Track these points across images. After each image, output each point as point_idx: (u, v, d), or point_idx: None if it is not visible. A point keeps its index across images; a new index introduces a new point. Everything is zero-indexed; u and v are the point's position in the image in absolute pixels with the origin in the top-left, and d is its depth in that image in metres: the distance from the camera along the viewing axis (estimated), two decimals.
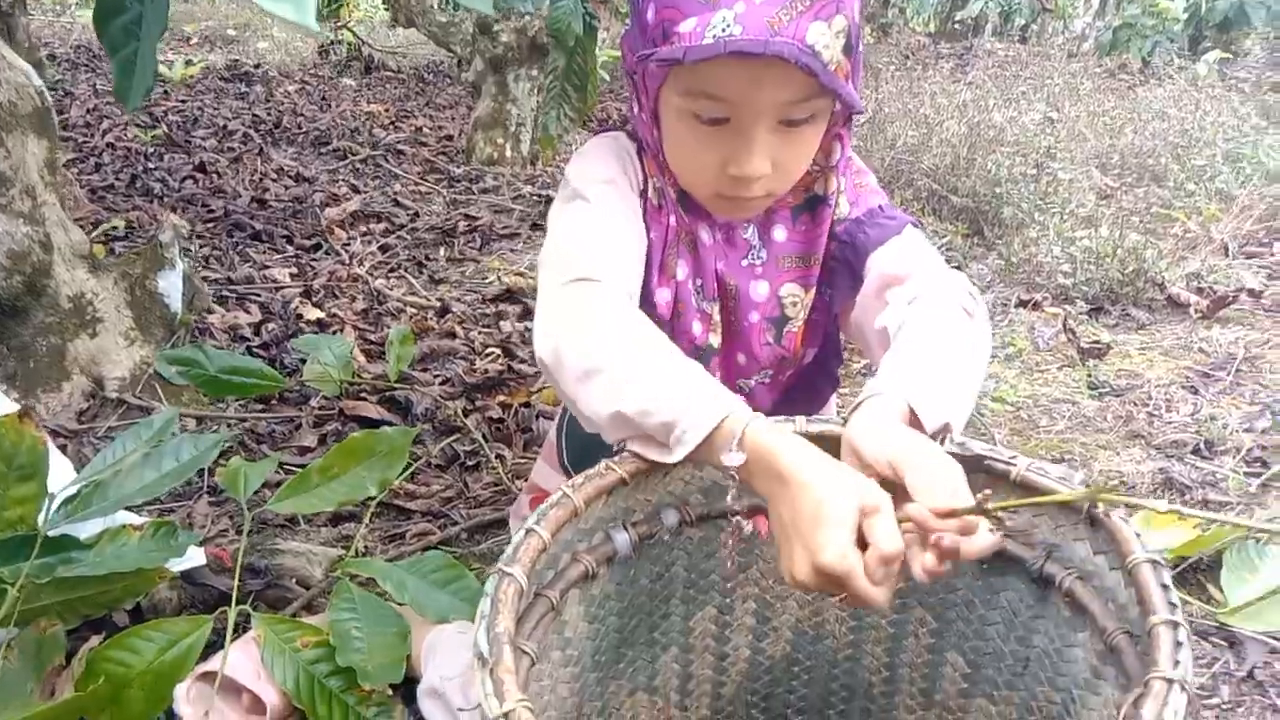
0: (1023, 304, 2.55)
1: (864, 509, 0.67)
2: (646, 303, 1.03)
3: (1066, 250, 2.68)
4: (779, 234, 1.06)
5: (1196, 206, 3.15)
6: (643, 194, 1.04)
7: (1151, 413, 1.95)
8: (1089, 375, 2.13)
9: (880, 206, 1.06)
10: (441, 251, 2.95)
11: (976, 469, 0.82)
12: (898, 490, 0.71)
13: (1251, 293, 2.53)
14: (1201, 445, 1.79)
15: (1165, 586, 0.65)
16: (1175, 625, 0.62)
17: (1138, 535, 0.71)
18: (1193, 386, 2.06)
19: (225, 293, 2.37)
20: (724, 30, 0.83)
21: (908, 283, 0.97)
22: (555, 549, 0.71)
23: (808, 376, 1.14)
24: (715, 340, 1.07)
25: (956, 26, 8.75)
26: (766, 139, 0.91)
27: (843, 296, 1.05)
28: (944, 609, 0.90)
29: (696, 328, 1.05)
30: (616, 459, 0.77)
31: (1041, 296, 2.58)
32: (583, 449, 1.18)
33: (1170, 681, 0.57)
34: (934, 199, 3.30)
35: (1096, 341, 2.27)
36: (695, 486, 0.84)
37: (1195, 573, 1.45)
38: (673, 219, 1.04)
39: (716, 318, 1.06)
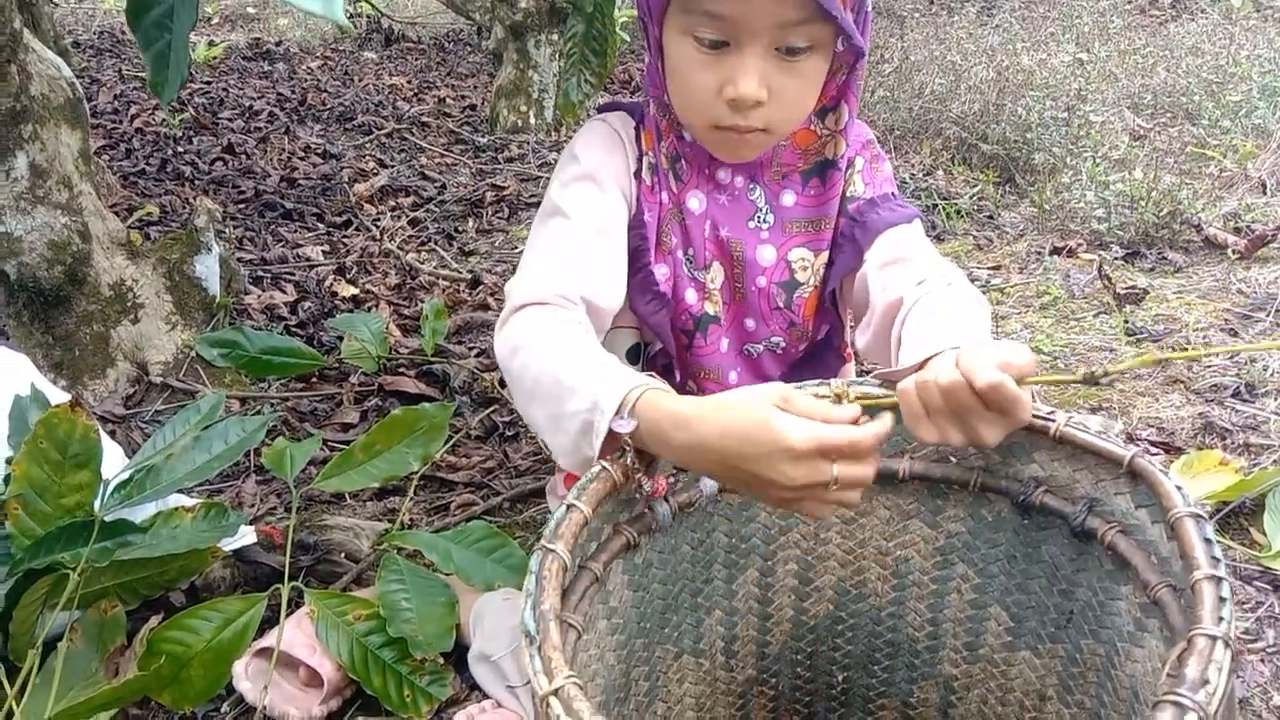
0: (1056, 251, 2.53)
1: (783, 400, 0.70)
2: (648, 281, 1.03)
3: (1100, 195, 2.64)
4: (788, 199, 1.06)
5: (1232, 144, 3.09)
6: (636, 174, 1.05)
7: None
8: (1126, 321, 2.11)
9: (892, 194, 1.07)
10: (470, 223, 2.96)
11: None
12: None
13: None
14: (1242, 388, 1.77)
15: (1208, 540, 0.66)
16: (1218, 580, 0.62)
17: (1179, 489, 0.71)
18: (1232, 329, 2.04)
19: (260, 273, 2.40)
20: None
21: (912, 265, 0.97)
22: (597, 522, 0.72)
23: (817, 352, 1.13)
24: (713, 308, 1.06)
25: None
26: (763, 64, 0.91)
27: (843, 271, 1.05)
28: (986, 564, 0.91)
29: (691, 296, 1.05)
30: None
31: (1076, 243, 2.55)
32: None
33: (1214, 638, 0.58)
34: (964, 147, 3.26)
35: (1133, 286, 2.24)
36: None
37: (1238, 517, 1.45)
38: (665, 196, 1.04)
39: (712, 285, 1.06)
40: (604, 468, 0.73)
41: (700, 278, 1.05)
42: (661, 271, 1.04)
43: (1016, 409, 0.72)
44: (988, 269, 2.48)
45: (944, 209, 2.85)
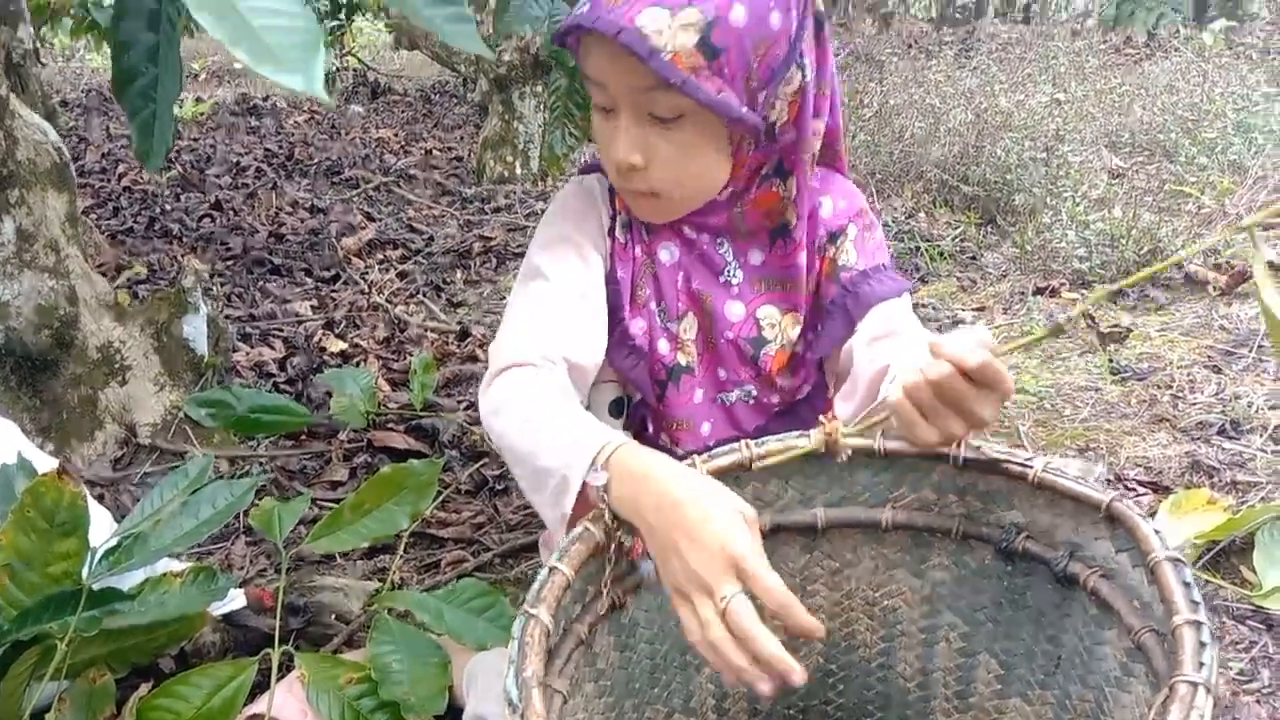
0: (1039, 291, 2.55)
1: (745, 518, 0.71)
2: (625, 336, 1.04)
3: (1081, 234, 2.67)
4: (755, 256, 1.06)
5: (1210, 180, 3.13)
6: (610, 232, 1.06)
7: (1175, 395, 1.95)
8: (1110, 360, 2.12)
9: (884, 265, 1.07)
10: (458, 274, 2.98)
11: (993, 472, 0.83)
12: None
13: (1270, 265, 2.52)
14: (1227, 425, 1.78)
15: (1187, 584, 0.66)
16: (1198, 625, 0.62)
17: (1157, 533, 0.72)
18: (1215, 366, 2.06)
19: (249, 329, 2.40)
20: (583, 8, 0.88)
21: (901, 339, 0.98)
22: (580, 583, 0.72)
23: (795, 408, 1.12)
24: (685, 359, 1.06)
25: (958, 14, 8.71)
26: (638, 129, 0.93)
27: (833, 341, 1.05)
28: (973, 611, 0.91)
29: (664, 347, 1.06)
30: None
31: (1058, 282, 2.58)
32: None
33: (1195, 684, 0.58)
34: (945, 189, 3.30)
35: (1116, 325, 2.26)
36: None
37: (1228, 556, 1.45)
38: (638, 250, 1.05)
39: (686, 336, 1.06)
40: (586, 528, 0.73)
41: (673, 328, 1.06)
42: (638, 326, 1.05)
43: (1004, 381, 0.74)
44: (972, 310, 2.50)
45: (927, 251, 2.88)
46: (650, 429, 1.10)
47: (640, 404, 1.10)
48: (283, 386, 2.11)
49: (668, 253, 1.05)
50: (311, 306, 2.65)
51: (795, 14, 0.92)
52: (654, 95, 0.90)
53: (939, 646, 0.93)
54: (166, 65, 0.95)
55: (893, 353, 0.96)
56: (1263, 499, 1.56)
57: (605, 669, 0.76)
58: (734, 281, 1.06)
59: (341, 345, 2.37)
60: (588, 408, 1.08)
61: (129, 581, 1.15)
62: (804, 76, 0.94)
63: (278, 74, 0.63)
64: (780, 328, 1.06)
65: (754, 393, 1.08)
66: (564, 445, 0.80)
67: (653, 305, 1.05)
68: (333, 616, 1.34)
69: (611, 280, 1.05)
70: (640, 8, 0.86)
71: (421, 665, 1.13)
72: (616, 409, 1.10)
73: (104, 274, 2.61)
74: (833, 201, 1.08)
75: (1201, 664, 0.60)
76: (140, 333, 1.86)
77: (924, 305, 2.53)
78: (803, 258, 1.04)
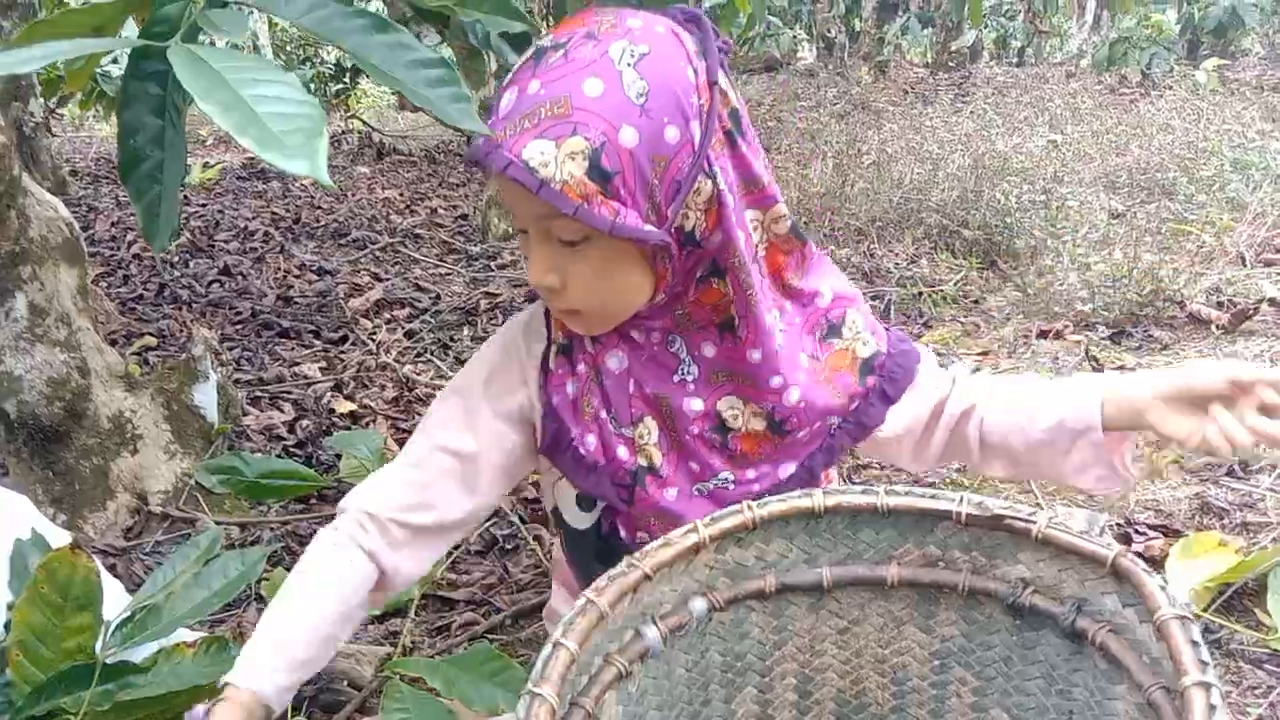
0: (1043, 334, 2.56)
1: None
2: (578, 457, 1.02)
3: (1082, 276, 2.69)
4: (708, 350, 1.02)
5: (1209, 218, 3.16)
6: (544, 364, 1.04)
7: None
8: None
9: (886, 328, 1.09)
10: (465, 331, 3.00)
11: (996, 527, 0.83)
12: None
13: (1273, 302, 2.53)
14: (1236, 466, 1.78)
15: (1195, 643, 0.66)
16: (1208, 687, 0.62)
17: (1163, 588, 0.72)
18: None
19: (258, 393, 2.42)
20: (481, 139, 0.88)
21: (952, 397, 1.05)
22: (586, 656, 0.72)
23: (787, 484, 1.07)
24: (647, 460, 1.02)
25: (951, 61, 8.82)
26: (550, 251, 0.92)
27: (872, 426, 1.05)
28: (983, 666, 0.91)
29: (623, 453, 1.02)
30: (637, 555, 0.79)
31: (1062, 325, 2.59)
32: (590, 561, 1.13)
33: None
34: (945, 234, 3.33)
35: (1120, 367, 2.27)
36: (720, 570, 0.85)
37: (1241, 598, 1.44)
38: (581, 366, 1.02)
39: (645, 440, 1.02)
40: (590, 600, 0.73)
41: (628, 433, 1.02)
42: (590, 442, 1.02)
43: None
44: (976, 355, 2.51)
45: (929, 297, 2.90)
46: (623, 534, 1.06)
47: (608, 507, 1.07)
48: (292, 450, 2.12)
49: (616, 360, 1.02)
50: (320, 368, 2.68)
51: (698, 123, 0.89)
52: (554, 222, 0.89)
53: (950, 701, 0.93)
54: (172, 149, 0.97)
55: (938, 391, 1.05)
56: (1274, 539, 1.55)
57: None
58: (689, 378, 1.02)
59: (350, 406, 2.39)
60: (554, 508, 1.10)
61: (142, 654, 1.16)
62: (716, 184, 0.91)
63: (283, 160, 0.65)
64: (744, 416, 1.02)
65: (731, 478, 1.04)
66: (250, 650, 0.92)
67: (603, 415, 1.02)
68: (345, 683, 1.34)
69: (549, 415, 1.03)
70: (526, 140, 0.85)
71: None
72: (586, 503, 1.08)
73: (114, 343, 2.64)
74: (830, 289, 1.06)
75: None
76: (151, 402, 1.88)
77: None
78: (755, 355, 1.00)
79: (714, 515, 0.84)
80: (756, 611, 0.89)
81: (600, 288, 0.94)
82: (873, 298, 2.91)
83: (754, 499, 1.01)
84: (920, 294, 2.91)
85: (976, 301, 2.92)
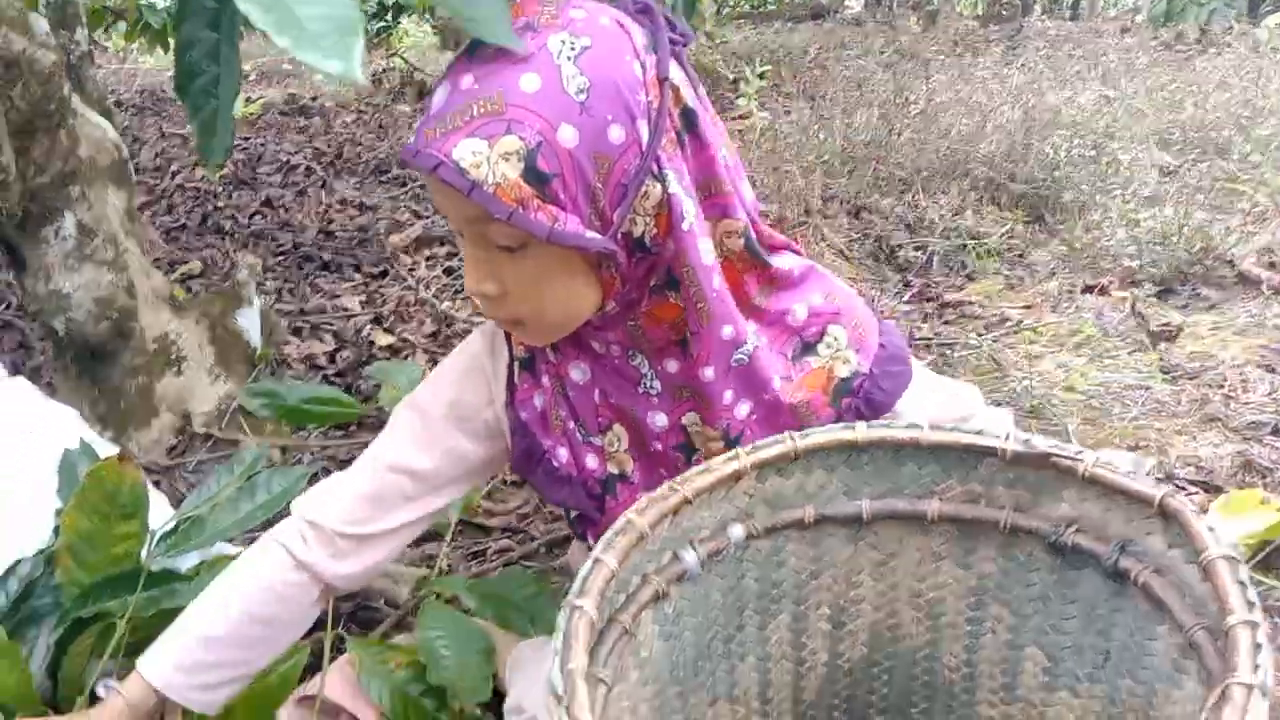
0: (1089, 289, 2.52)
1: None
2: (550, 470, 1.00)
3: (1131, 232, 2.64)
4: (671, 365, 0.96)
5: (1263, 178, 3.08)
6: (509, 381, 1.01)
7: (1227, 394, 1.92)
8: (1160, 359, 2.10)
9: (881, 344, 1.00)
10: None
11: (1042, 466, 0.83)
12: None
13: None
14: None
15: (1242, 584, 0.65)
16: (1254, 625, 0.62)
17: (1211, 529, 0.71)
18: (1269, 365, 2.03)
19: (300, 323, 2.45)
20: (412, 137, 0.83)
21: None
22: (624, 574, 0.72)
23: None
24: (617, 468, 1.00)
25: (1004, 11, 8.62)
26: (487, 257, 0.86)
27: None
28: (1020, 604, 0.91)
29: (592, 462, 1.00)
30: (677, 480, 0.79)
31: (1108, 280, 2.55)
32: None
33: (1250, 686, 0.57)
34: (992, 187, 3.27)
35: (1167, 324, 2.23)
36: (760, 499, 0.85)
37: None
38: (546, 379, 0.99)
39: (615, 448, 1.00)
40: (629, 520, 0.73)
41: (597, 442, 1.00)
42: (561, 455, 1.00)
43: None
44: (1020, 308, 2.48)
45: (974, 249, 2.86)
46: (591, 540, 1.04)
47: (580, 515, 1.05)
48: (332, 379, 2.15)
49: (579, 372, 0.99)
50: (360, 302, 2.69)
51: (645, 122, 0.82)
52: (489, 226, 0.83)
53: (985, 638, 0.93)
54: (227, 64, 0.97)
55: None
56: None
57: (649, 657, 0.77)
58: (653, 392, 0.97)
59: (389, 339, 2.41)
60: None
61: (185, 564, 1.18)
62: (666, 188, 0.84)
63: (319, 60, 0.65)
64: (703, 437, 0.99)
65: None
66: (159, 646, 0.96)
67: (570, 425, 1.00)
68: (382, 601, 1.37)
69: (518, 431, 1.00)
70: (457, 139, 0.79)
71: (468, 652, 1.15)
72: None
73: (159, 269, 2.67)
74: (805, 304, 0.98)
75: (1257, 666, 0.60)
76: (195, 325, 1.90)
77: (970, 303, 2.52)
78: (708, 373, 0.94)
79: (756, 444, 0.83)
80: (794, 541, 0.89)
81: (541, 296, 0.88)
82: (916, 248, 2.88)
83: None
84: (964, 246, 2.87)
85: (1021, 255, 2.88)
